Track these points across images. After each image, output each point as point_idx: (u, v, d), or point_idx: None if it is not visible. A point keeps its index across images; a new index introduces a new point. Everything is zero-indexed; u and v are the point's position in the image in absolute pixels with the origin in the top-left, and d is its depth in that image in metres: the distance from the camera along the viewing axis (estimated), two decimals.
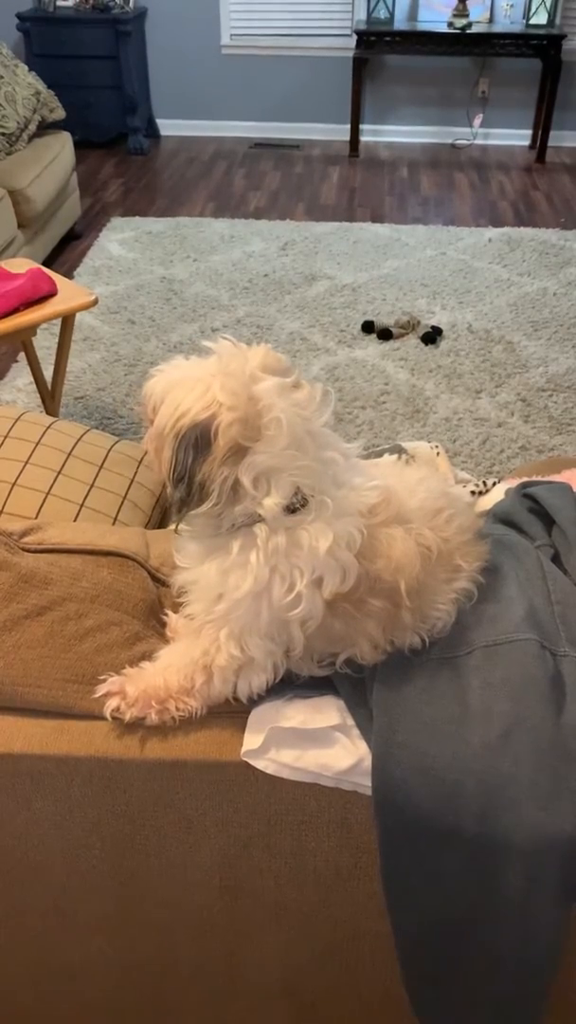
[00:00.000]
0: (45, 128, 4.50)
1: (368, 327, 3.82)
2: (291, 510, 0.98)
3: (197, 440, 0.95)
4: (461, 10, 5.57)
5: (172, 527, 1.09)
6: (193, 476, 0.96)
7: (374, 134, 6.29)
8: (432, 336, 3.73)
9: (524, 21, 5.67)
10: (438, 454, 1.71)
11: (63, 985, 1.32)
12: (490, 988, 1.09)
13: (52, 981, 1.32)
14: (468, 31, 5.56)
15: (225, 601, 1.00)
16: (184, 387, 0.98)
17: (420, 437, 3.15)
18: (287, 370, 1.03)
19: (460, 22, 5.56)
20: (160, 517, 1.84)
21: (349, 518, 1.00)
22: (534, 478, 1.51)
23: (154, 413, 1.01)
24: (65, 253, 4.61)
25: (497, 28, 5.68)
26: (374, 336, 3.78)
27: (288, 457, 0.97)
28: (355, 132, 6.01)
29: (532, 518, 1.28)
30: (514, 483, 1.44)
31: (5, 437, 1.79)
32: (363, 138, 6.17)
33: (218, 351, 1.02)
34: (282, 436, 0.96)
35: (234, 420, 0.94)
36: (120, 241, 4.70)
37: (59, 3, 5.66)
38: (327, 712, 1.06)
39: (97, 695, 1.06)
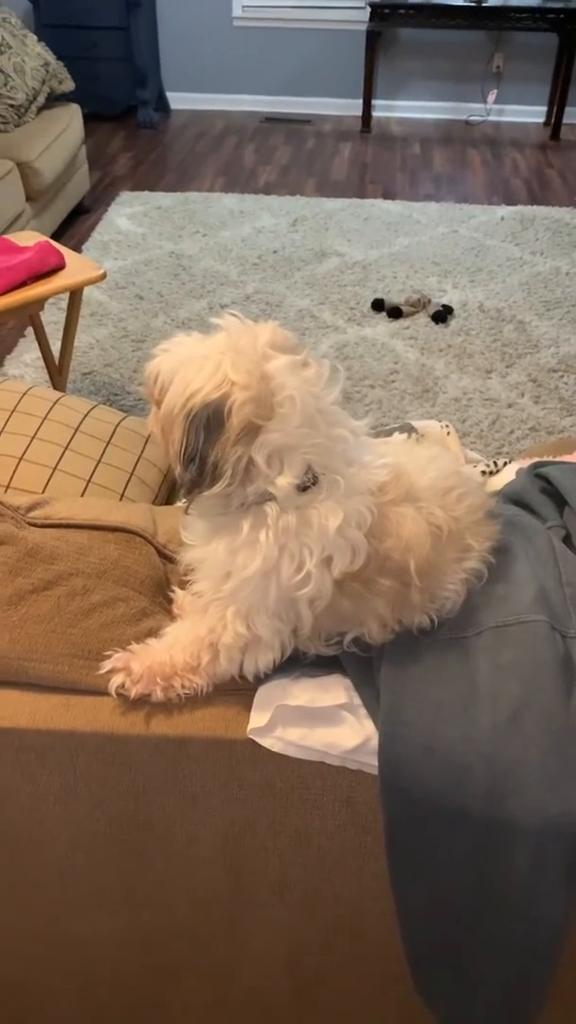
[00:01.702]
0: (54, 100, 4.45)
1: (378, 305, 3.78)
2: (302, 488, 0.96)
3: (209, 420, 0.93)
4: None
5: (179, 504, 1.08)
6: (205, 457, 0.94)
7: (386, 109, 6.21)
8: (443, 315, 3.69)
9: None
10: (448, 433, 1.69)
11: (67, 958, 1.33)
12: (493, 969, 1.09)
13: (56, 954, 1.32)
14: (484, 4, 5.47)
15: (233, 580, 0.99)
16: (193, 366, 0.95)
17: (429, 417, 3.13)
18: (295, 347, 1.02)
19: None
20: (167, 493, 1.83)
21: (360, 496, 0.99)
22: (545, 458, 1.49)
23: (161, 393, 0.98)
24: (73, 227, 4.57)
25: (513, 1, 5.57)
26: (384, 314, 3.75)
27: (301, 435, 0.95)
28: (367, 107, 5.94)
29: (544, 499, 1.27)
30: (526, 463, 1.43)
31: (12, 411, 1.77)
32: (375, 113, 6.09)
33: (225, 328, 1.00)
34: (295, 414, 0.94)
35: (247, 399, 0.92)
36: (129, 216, 4.66)
37: None
38: (334, 691, 1.05)
39: (102, 671, 1.05)
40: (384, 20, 5.62)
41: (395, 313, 3.72)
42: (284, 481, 0.95)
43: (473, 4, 5.47)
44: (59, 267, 2.63)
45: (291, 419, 0.94)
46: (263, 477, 0.95)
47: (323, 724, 1.03)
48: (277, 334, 1.01)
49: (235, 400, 0.92)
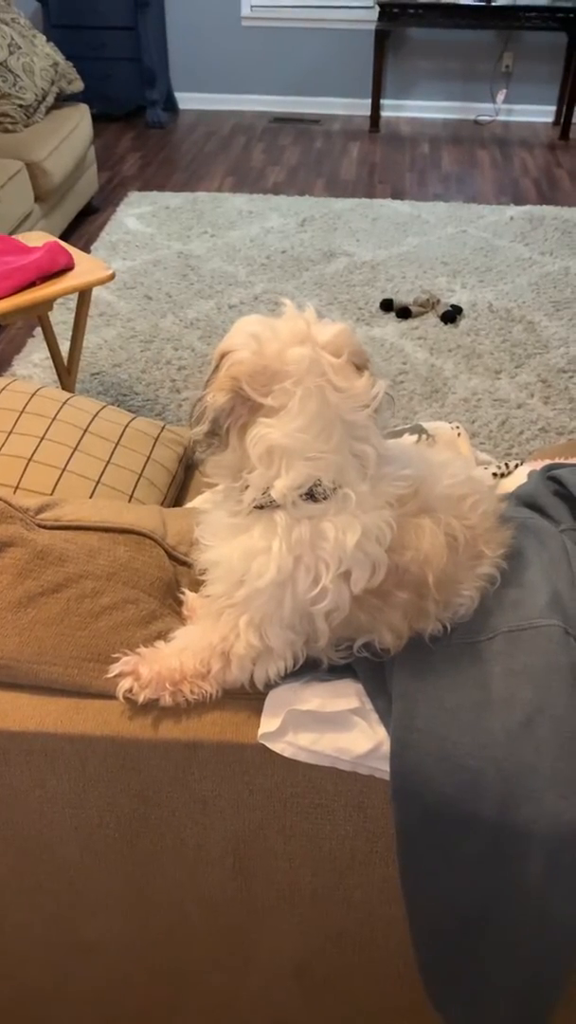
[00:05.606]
0: (63, 100, 4.45)
1: (387, 305, 3.77)
2: (312, 498, 0.95)
3: (218, 365, 0.96)
4: None
5: (189, 504, 1.07)
6: (202, 397, 0.96)
7: (395, 109, 6.20)
8: (452, 315, 3.68)
9: None
10: (459, 435, 1.68)
11: (76, 961, 1.32)
12: (506, 975, 1.08)
13: (66, 957, 1.32)
14: (493, 3, 5.45)
15: (246, 587, 0.98)
16: (242, 327, 0.97)
17: (438, 417, 3.11)
18: (358, 354, 0.97)
19: None
20: (176, 495, 1.83)
21: (379, 511, 0.97)
22: (557, 461, 1.48)
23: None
24: (82, 227, 4.57)
25: (522, 1, 5.56)
26: (393, 314, 3.74)
27: (304, 442, 0.92)
28: (376, 107, 5.93)
29: (557, 501, 1.26)
30: (537, 465, 1.42)
31: (21, 412, 1.77)
32: (384, 113, 6.08)
33: (288, 312, 1.00)
34: (300, 416, 0.92)
35: (247, 359, 0.93)
36: (137, 216, 4.66)
37: None
38: (346, 695, 1.04)
39: (111, 675, 1.04)
40: (393, 19, 5.61)
41: (404, 313, 3.71)
42: (283, 485, 0.93)
43: (482, 3, 5.45)
44: (68, 267, 2.63)
45: (294, 420, 0.92)
46: (258, 473, 0.94)
47: (334, 729, 1.03)
48: (342, 337, 0.96)
49: (236, 352, 0.94)
